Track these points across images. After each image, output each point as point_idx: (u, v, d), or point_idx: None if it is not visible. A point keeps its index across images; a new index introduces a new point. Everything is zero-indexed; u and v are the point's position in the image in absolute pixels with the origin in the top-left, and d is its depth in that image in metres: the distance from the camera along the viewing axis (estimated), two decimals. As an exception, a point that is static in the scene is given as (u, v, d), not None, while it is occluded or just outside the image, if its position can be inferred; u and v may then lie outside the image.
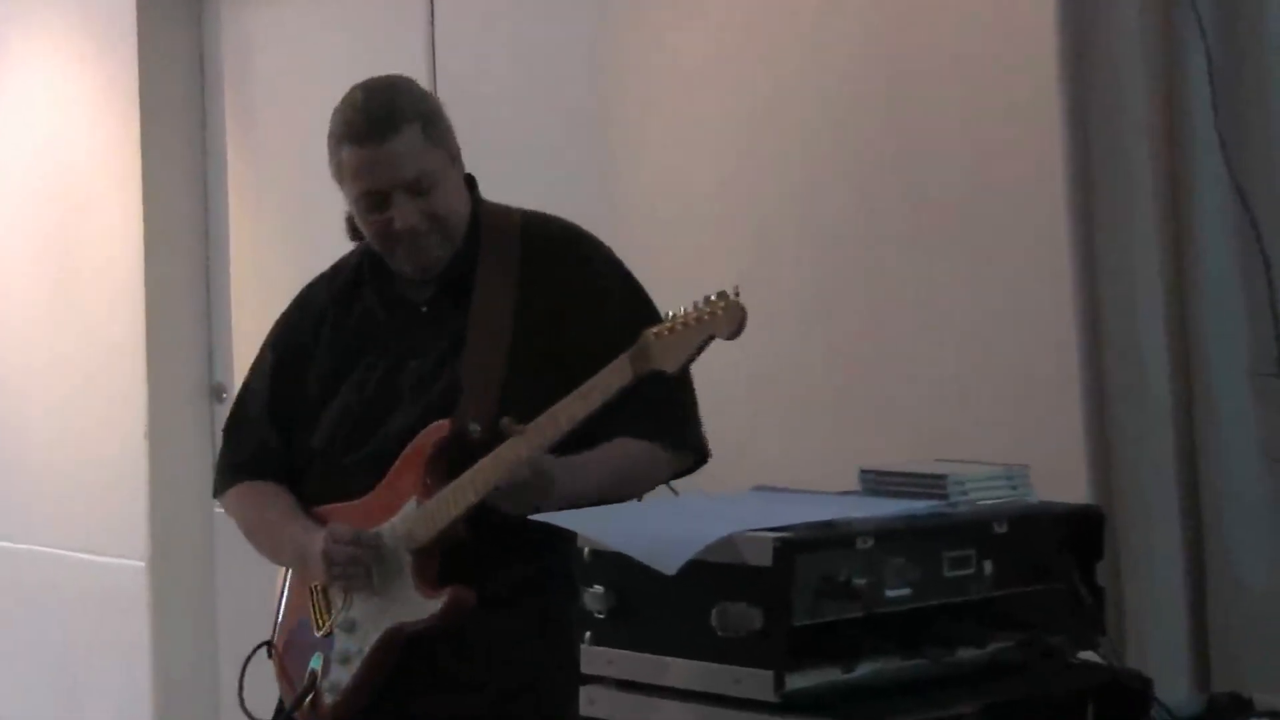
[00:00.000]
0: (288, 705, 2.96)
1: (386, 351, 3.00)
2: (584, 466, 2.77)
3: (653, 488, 2.90)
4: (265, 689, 3.04)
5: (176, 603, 5.45)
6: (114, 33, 5.46)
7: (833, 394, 3.76)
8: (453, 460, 2.84)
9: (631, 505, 2.46)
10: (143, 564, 5.44)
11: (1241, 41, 2.84)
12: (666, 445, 2.89)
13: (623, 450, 2.84)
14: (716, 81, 4.02)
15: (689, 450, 2.94)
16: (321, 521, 2.97)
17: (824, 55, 3.80)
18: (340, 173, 2.93)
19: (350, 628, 2.90)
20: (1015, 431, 3.35)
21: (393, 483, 2.91)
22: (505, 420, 2.75)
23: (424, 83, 3.17)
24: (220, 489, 3.18)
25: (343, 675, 2.90)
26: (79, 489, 5.66)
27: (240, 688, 2.97)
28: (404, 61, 4.37)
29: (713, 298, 2.57)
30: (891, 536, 2.09)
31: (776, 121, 3.90)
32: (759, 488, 2.44)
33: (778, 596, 1.98)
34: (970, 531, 2.17)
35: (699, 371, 2.85)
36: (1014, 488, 2.28)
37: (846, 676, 2.04)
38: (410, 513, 2.86)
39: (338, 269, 3.14)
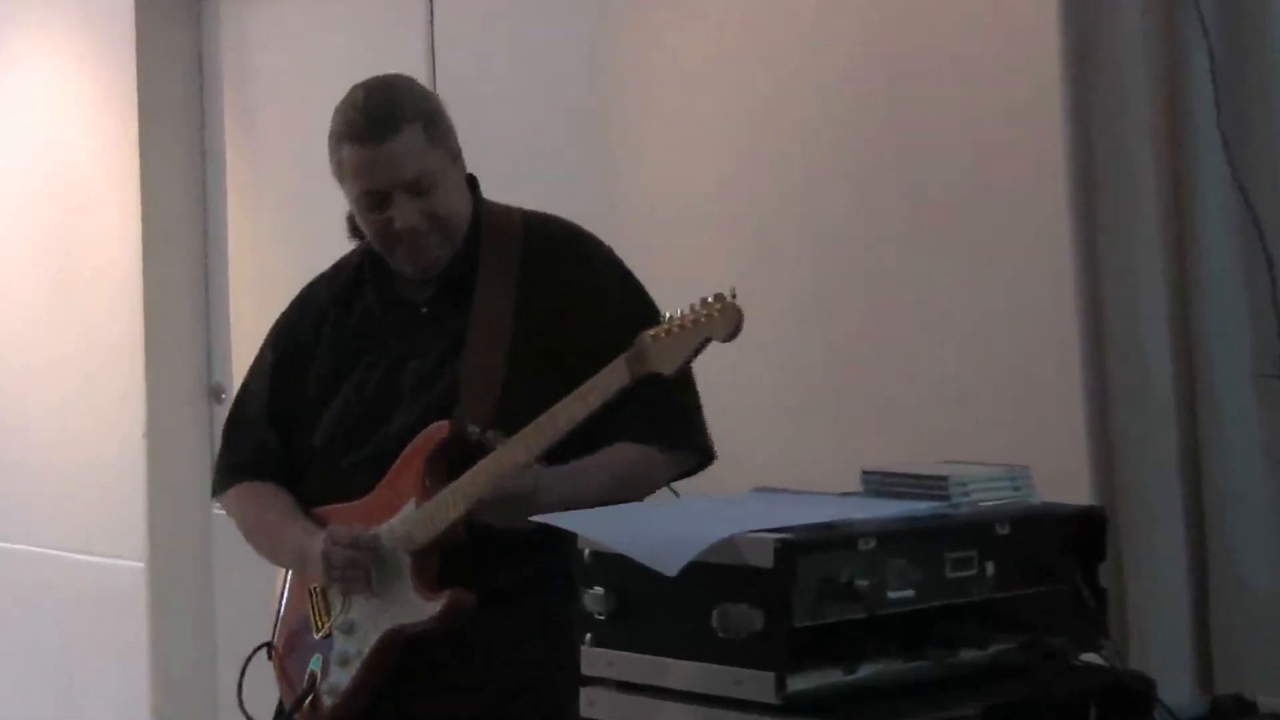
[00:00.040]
0: (287, 707, 2.96)
1: (387, 351, 2.99)
2: (583, 472, 2.77)
3: (653, 491, 2.90)
4: (264, 690, 3.03)
5: (175, 603, 5.44)
6: (113, 32, 5.45)
7: (834, 395, 3.75)
8: (452, 461, 2.83)
9: (632, 506, 2.46)
10: (141, 565, 5.43)
11: (1244, 41, 2.83)
12: (664, 448, 2.88)
13: (620, 455, 2.84)
14: (716, 81, 4.02)
15: (690, 451, 2.93)
16: (321, 522, 2.96)
17: (824, 55, 3.80)
18: (340, 172, 2.93)
19: (349, 629, 2.90)
20: (1017, 432, 3.34)
21: (392, 483, 2.90)
22: (490, 433, 2.75)
23: (423, 82, 3.17)
24: (219, 489, 3.17)
25: (342, 677, 2.89)
26: (77, 489, 5.66)
27: (240, 689, 2.96)
28: (404, 61, 4.36)
29: (709, 299, 2.57)
30: (893, 538, 2.09)
31: (777, 121, 3.89)
32: (760, 489, 2.43)
33: (779, 598, 1.98)
34: (972, 533, 2.16)
35: (700, 372, 2.84)
36: (1016, 489, 2.28)
37: (848, 678, 2.03)
38: (409, 514, 2.85)
39: (339, 268, 3.13)
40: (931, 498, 2.22)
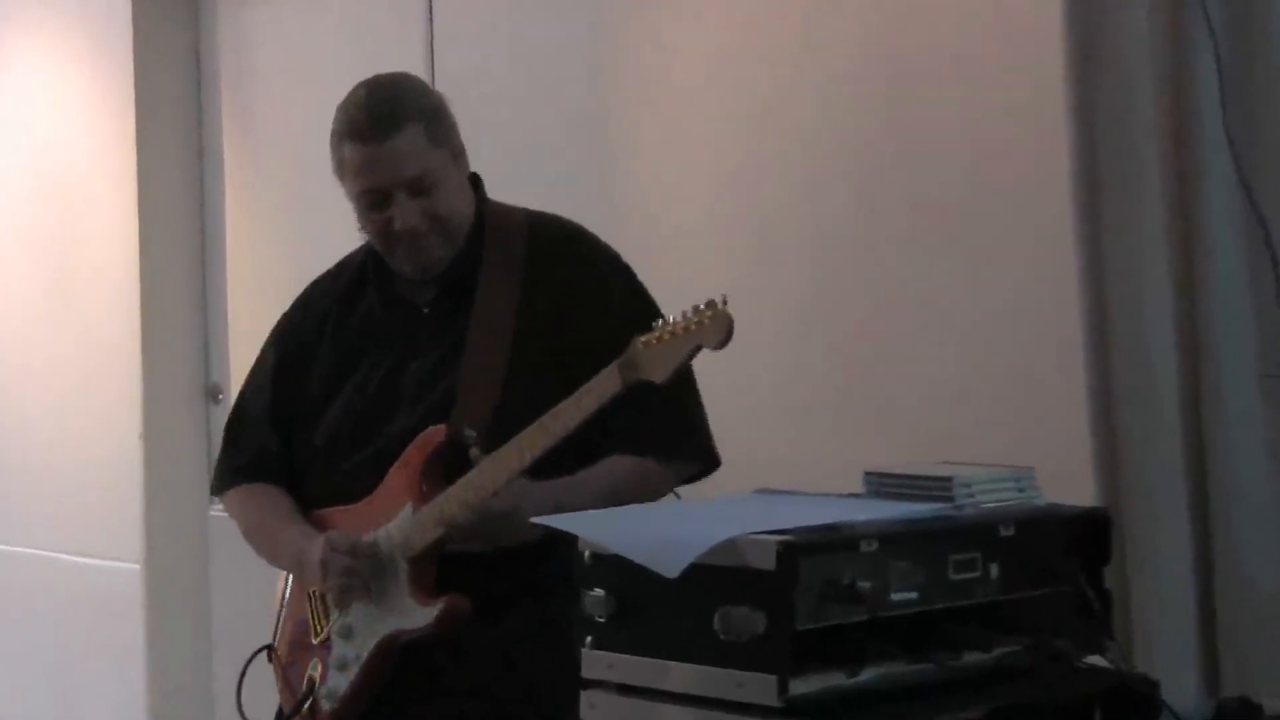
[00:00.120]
0: (286, 710, 2.95)
1: (389, 351, 2.98)
2: (573, 487, 2.75)
3: (653, 501, 2.88)
4: (263, 693, 3.02)
5: (171, 605, 5.43)
6: (110, 32, 5.44)
7: (836, 395, 3.75)
8: (449, 465, 2.82)
9: (632, 508, 2.44)
10: (138, 566, 5.42)
11: (1251, 40, 2.83)
12: (661, 459, 2.86)
13: (615, 468, 2.82)
14: (717, 81, 4.01)
15: (689, 459, 2.91)
16: (320, 526, 2.96)
17: (825, 55, 3.80)
18: (341, 170, 2.92)
19: (347, 634, 2.89)
20: (1021, 432, 3.34)
21: (390, 487, 2.89)
22: (474, 450, 2.74)
23: (422, 81, 3.16)
24: (220, 489, 3.17)
25: (340, 682, 2.89)
26: (74, 491, 5.65)
27: (239, 691, 2.96)
28: (403, 60, 4.36)
29: (701, 306, 2.56)
30: (896, 539, 2.08)
31: (777, 121, 3.89)
32: (761, 490, 2.42)
33: (781, 600, 1.97)
34: (976, 534, 2.16)
35: (700, 373, 2.83)
36: (1020, 490, 2.28)
37: (851, 681, 2.02)
38: (406, 519, 2.85)
39: (342, 267, 3.13)
40: (935, 499, 2.21)
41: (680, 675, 2.06)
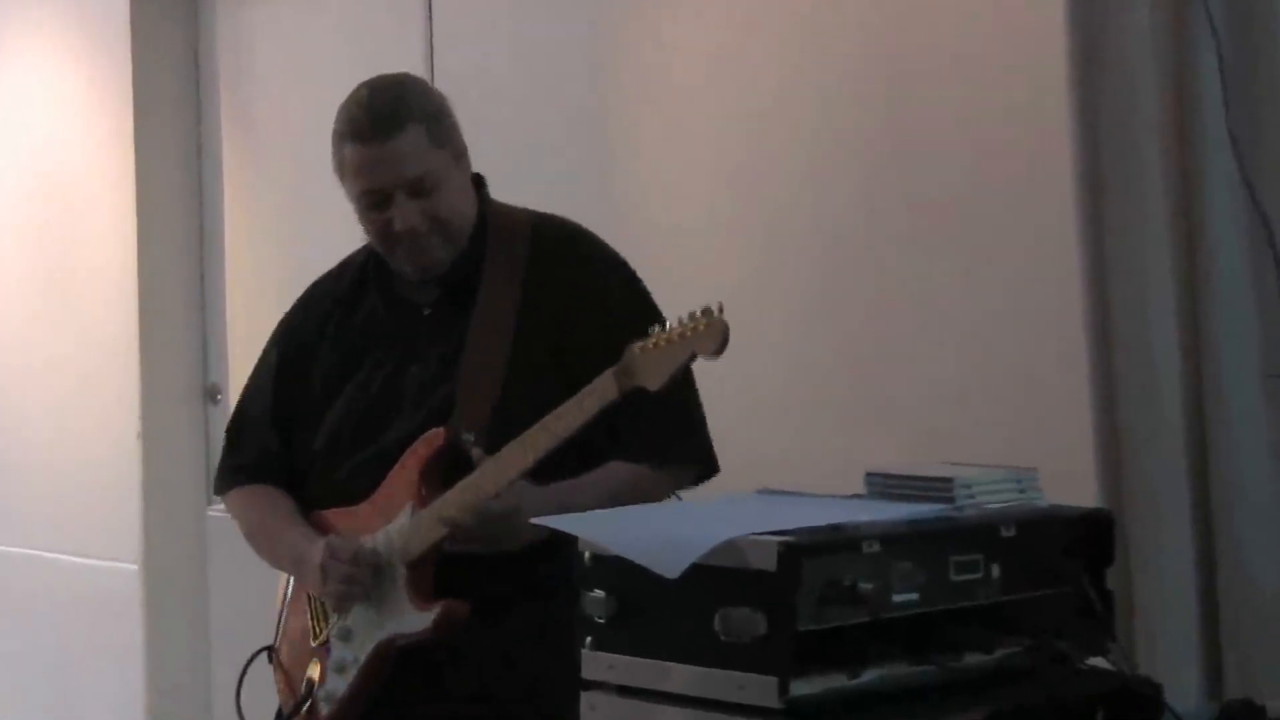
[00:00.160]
0: (285, 712, 2.95)
1: (391, 351, 2.98)
2: (570, 492, 2.74)
3: None
4: (261, 694, 3.02)
5: (170, 606, 5.43)
6: (108, 30, 5.44)
7: (838, 396, 3.74)
8: (448, 468, 2.81)
9: (633, 509, 2.44)
10: (136, 567, 5.42)
11: (1254, 39, 2.82)
12: (657, 465, 2.85)
13: (612, 474, 2.82)
14: (717, 81, 4.01)
15: (688, 464, 2.90)
16: (320, 527, 2.96)
17: (826, 55, 3.79)
18: (342, 170, 2.91)
19: (346, 637, 2.89)
20: (1023, 432, 3.33)
21: (389, 490, 2.89)
22: (475, 451, 2.73)
23: (421, 80, 3.15)
24: (221, 489, 3.18)
25: (339, 684, 2.88)
26: (72, 491, 5.64)
27: (238, 692, 2.96)
28: (402, 59, 4.36)
29: (698, 313, 2.56)
30: (898, 540, 2.07)
31: (778, 121, 3.88)
32: (763, 491, 2.41)
33: (782, 601, 1.96)
34: (978, 535, 2.15)
35: (701, 374, 2.82)
36: (1022, 491, 2.27)
37: (852, 683, 2.02)
38: (405, 523, 2.84)
39: (343, 268, 3.12)
40: (936, 500, 2.21)
41: (680, 676, 2.05)
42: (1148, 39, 2.88)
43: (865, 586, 2.01)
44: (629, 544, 2.07)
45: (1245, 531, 2.81)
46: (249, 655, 3.03)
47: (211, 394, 5.46)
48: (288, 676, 2.99)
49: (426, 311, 2.98)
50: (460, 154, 2.94)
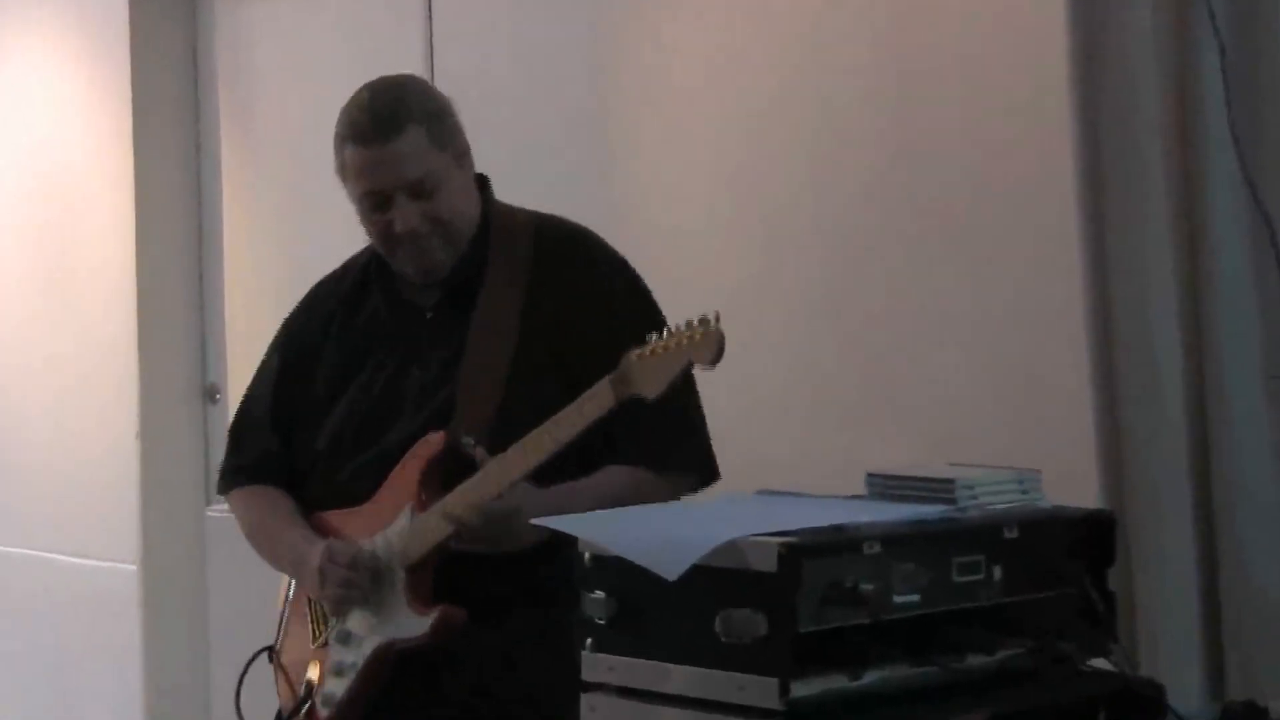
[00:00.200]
0: (285, 713, 2.94)
1: (393, 353, 2.97)
2: (570, 495, 2.73)
3: None
4: (260, 695, 3.01)
5: (168, 606, 5.42)
6: (107, 30, 5.43)
7: (839, 397, 3.73)
8: (448, 472, 2.81)
9: (633, 509, 2.43)
10: (134, 567, 5.41)
11: (1256, 38, 2.82)
12: (658, 471, 2.84)
13: (612, 479, 2.81)
14: (717, 81, 4.00)
15: (688, 471, 2.89)
16: (321, 528, 2.96)
17: (827, 54, 3.79)
18: (344, 172, 2.91)
19: (344, 639, 2.89)
20: (1025, 433, 3.33)
21: (389, 493, 2.89)
22: (478, 450, 2.73)
23: (420, 80, 3.14)
24: (223, 489, 3.18)
25: (337, 687, 2.88)
26: (70, 491, 5.63)
27: (238, 692, 2.96)
28: (401, 59, 4.35)
29: (694, 322, 2.55)
30: (899, 542, 2.07)
31: (779, 121, 3.87)
32: (763, 491, 2.41)
33: (783, 602, 1.96)
34: (979, 536, 2.15)
35: (703, 374, 2.81)
36: (1024, 492, 2.27)
37: (853, 684, 2.01)
38: (404, 526, 2.84)
39: (346, 269, 3.11)
40: (938, 501, 2.20)
41: (681, 678, 2.05)
42: (1149, 38, 2.88)
43: (866, 588, 2.01)
44: (629, 545, 2.07)
45: (1247, 531, 2.80)
46: (247, 656, 3.02)
47: (210, 394, 5.45)
48: (288, 677, 2.98)
49: (429, 314, 2.97)
50: (463, 155, 2.93)
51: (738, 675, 1.98)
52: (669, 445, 2.86)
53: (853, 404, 3.70)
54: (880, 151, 3.68)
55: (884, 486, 2.27)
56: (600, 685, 2.14)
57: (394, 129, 2.83)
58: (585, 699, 2.15)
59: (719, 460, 2.93)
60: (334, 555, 2.86)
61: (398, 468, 2.87)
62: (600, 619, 2.12)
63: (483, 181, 3.01)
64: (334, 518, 2.96)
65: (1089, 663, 2.21)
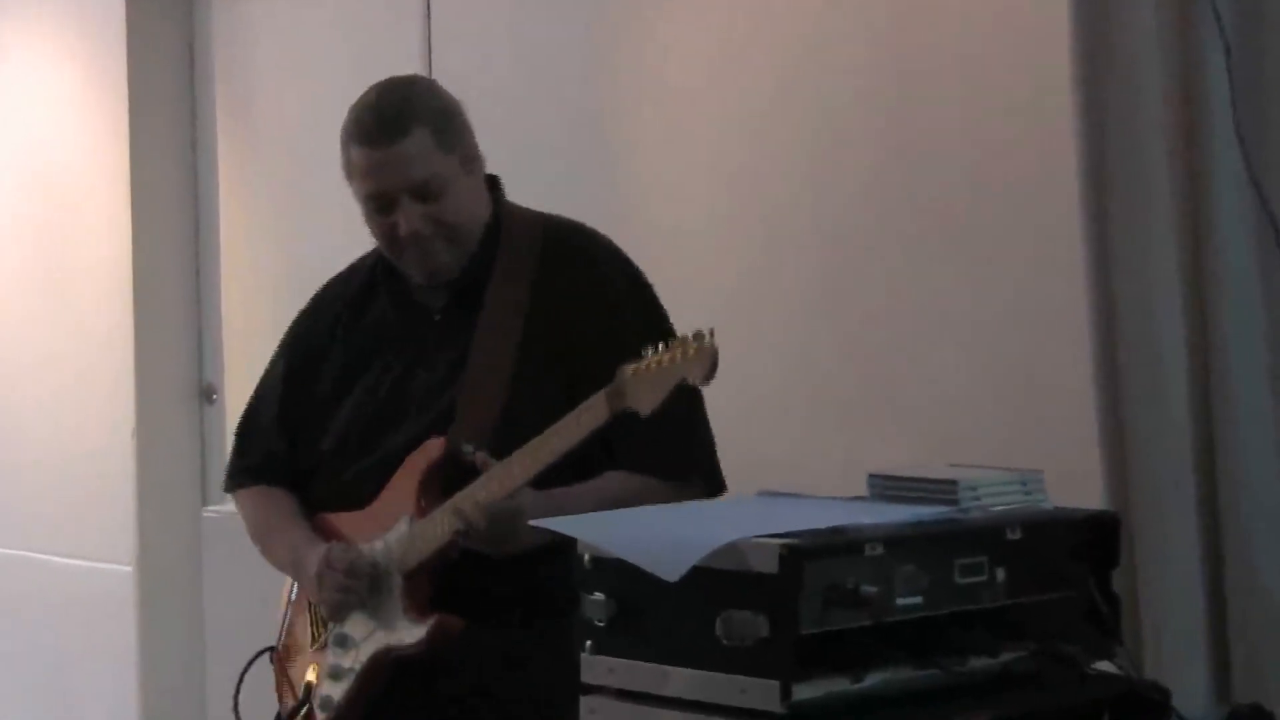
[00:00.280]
0: (284, 715, 2.95)
1: (401, 354, 2.97)
2: (571, 499, 2.71)
3: None
4: (258, 695, 3.01)
5: (164, 608, 5.40)
6: (104, 27, 5.42)
7: (840, 397, 3.73)
8: (448, 478, 2.81)
9: (633, 511, 2.42)
10: (130, 569, 5.39)
11: (1261, 38, 2.81)
12: (662, 478, 2.83)
13: (615, 484, 2.80)
14: (718, 80, 4.00)
15: (693, 482, 2.87)
16: (324, 530, 2.96)
17: (828, 54, 3.78)
18: (349, 172, 2.90)
19: (343, 643, 2.89)
20: (1028, 433, 3.32)
21: (389, 497, 2.89)
22: (478, 455, 2.72)
23: (418, 78, 3.13)
24: (229, 488, 3.18)
25: (334, 691, 2.89)
26: (65, 492, 5.62)
27: (237, 693, 2.95)
28: (400, 56, 4.35)
29: (689, 337, 2.55)
30: (901, 543, 2.06)
31: (779, 120, 3.87)
32: (764, 492, 2.40)
33: (784, 604, 1.95)
34: (982, 538, 2.14)
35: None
36: (1027, 493, 2.26)
37: (855, 687, 2.01)
38: (403, 532, 2.84)
39: (354, 270, 3.11)
40: (940, 502, 2.20)
41: (681, 680, 2.04)
42: (1154, 38, 2.87)
43: (868, 590, 2.00)
44: (629, 546, 2.06)
45: (1253, 531, 2.79)
46: (244, 657, 3.02)
47: (207, 394, 5.44)
48: (287, 678, 2.99)
49: (436, 316, 2.96)
50: (471, 158, 2.91)
51: (739, 678, 1.98)
52: (674, 454, 2.85)
53: (853, 404, 3.69)
54: (880, 151, 3.68)
55: (886, 488, 2.27)
56: (600, 688, 2.13)
57: (399, 130, 2.82)
58: (585, 701, 2.14)
59: (719, 460, 2.92)
60: (332, 561, 2.86)
61: (398, 473, 2.87)
62: (600, 621, 2.11)
63: (493, 183, 2.99)
64: (337, 520, 2.96)
65: (1093, 665, 2.20)
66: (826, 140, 3.77)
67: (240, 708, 2.95)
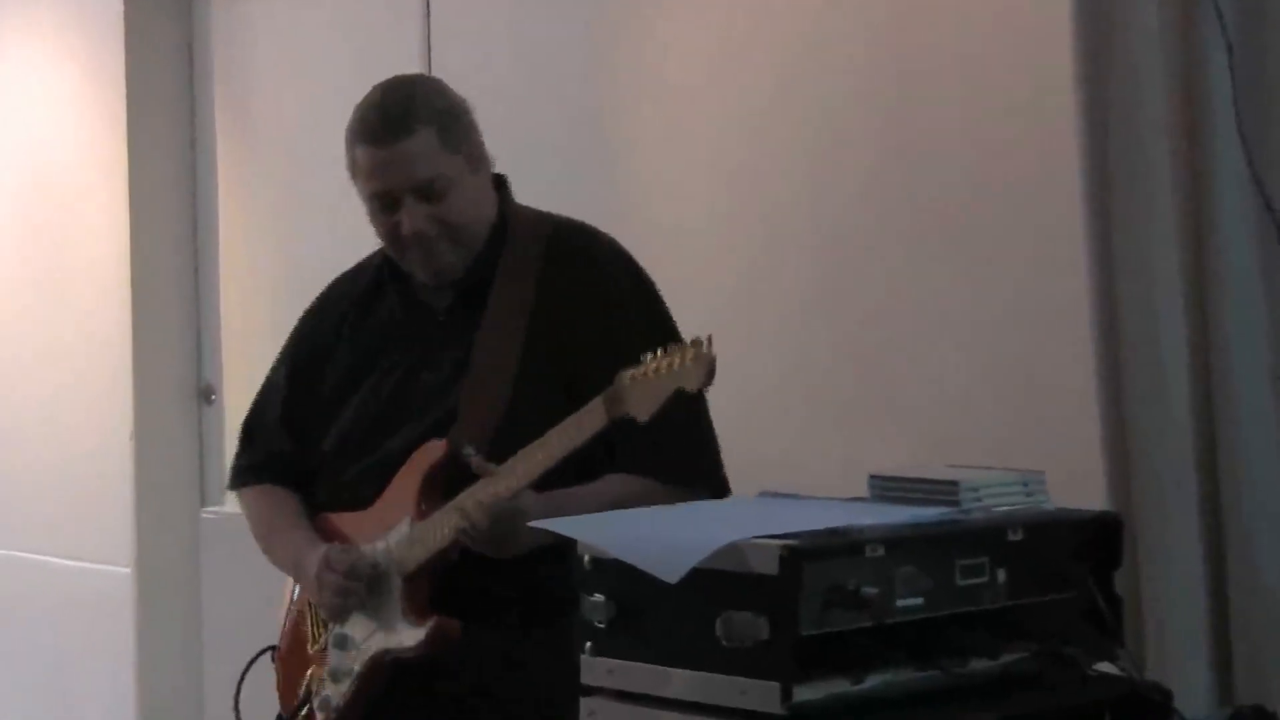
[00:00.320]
0: (285, 715, 2.96)
1: (406, 354, 2.97)
2: (572, 501, 2.71)
3: None
4: (258, 696, 3.01)
5: (162, 609, 5.40)
6: (102, 25, 5.43)
7: (840, 397, 3.73)
8: (450, 479, 2.80)
9: (633, 512, 2.42)
10: (128, 570, 5.39)
11: (1263, 36, 2.81)
12: (664, 482, 2.82)
13: (617, 487, 2.79)
14: (718, 80, 4.00)
15: (697, 486, 2.85)
16: (326, 530, 2.96)
17: (829, 53, 3.78)
18: (354, 171, 2.90)
19: (342, 645, 2.89)
20: (1030, 433, 3.31)
21: (390, 499, 2.89)
22: (476, 459, 2.72)
23: (417, 77, 3.12)
24: (233, 486, 3.19)
25: (334, 693, 2.89)
26: (64, 493, 5.63)
27: (237, 693, 2.96)
28: (399, 55, 4.34)
29: (688, 344, 2.55)
30: (902, 544, 2.06)
31: (779, 119, 3.87)
32: (765, 493, 2.40)
33: (785, 605, 1.94)
34: (983, 539, 2.13)
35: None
36: (1029, 494, 2.25)
37: (856, 688, 2.00)
38: (403, 534, 2.84)
39: (360, 269, 3.11)
40: (941, 503, 2.19)
41: (681, 682, 2.03)
42: (1156, 37, 2.87)
43: (869, 591, 1.99)
44: (628, 547, 2.05)
45: (1255, 531, 2.79)
46: (242, 658, 3.03)
47: (206, 394, 5.43)
48: (287, 679, 2.99)
49: (441, 316, 2.96)
50: (476, 158, 2.91)
51: (739, 679, 1.97)
52: (677, 459, 2.84)
53: (855, 405, 3.69)
54: (880, 151, 3.67)
55: (886, 489, 2.26)
56: (600, 689, 2.12)
57: (403, 130, 2.81)
58: (585, 703, 2.13)
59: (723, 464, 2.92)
60: (331, 562, 2.86)
61: (400, 474, 2.87)
62: (600, 622, 2.10)
63: (500, 182, 2.98)
64: (339, 520, 2.96)
65: (1095, 667, 2.19)
66: (826, 140, 3.77)
67: (240, 708, 2.96)
